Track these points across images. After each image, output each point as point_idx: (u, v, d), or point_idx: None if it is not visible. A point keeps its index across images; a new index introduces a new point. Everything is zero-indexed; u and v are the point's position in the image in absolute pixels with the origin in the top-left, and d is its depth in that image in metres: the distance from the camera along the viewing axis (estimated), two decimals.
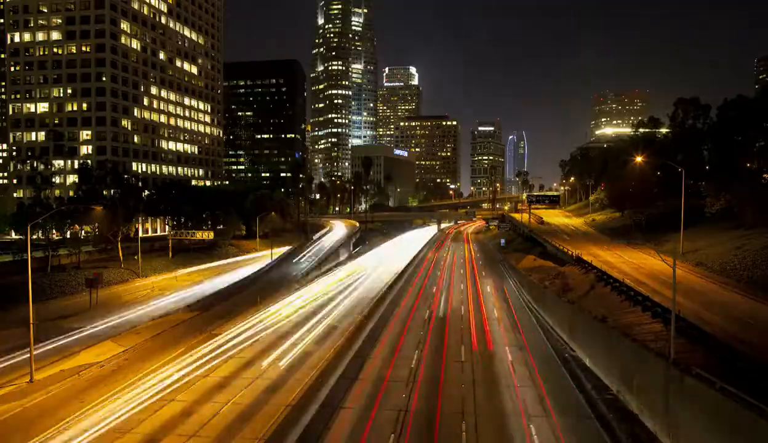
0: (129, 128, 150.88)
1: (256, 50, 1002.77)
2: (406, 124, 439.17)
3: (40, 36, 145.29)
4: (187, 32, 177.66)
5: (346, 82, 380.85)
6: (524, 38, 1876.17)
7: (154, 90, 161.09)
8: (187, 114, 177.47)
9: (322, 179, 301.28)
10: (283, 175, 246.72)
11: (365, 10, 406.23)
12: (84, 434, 27.88)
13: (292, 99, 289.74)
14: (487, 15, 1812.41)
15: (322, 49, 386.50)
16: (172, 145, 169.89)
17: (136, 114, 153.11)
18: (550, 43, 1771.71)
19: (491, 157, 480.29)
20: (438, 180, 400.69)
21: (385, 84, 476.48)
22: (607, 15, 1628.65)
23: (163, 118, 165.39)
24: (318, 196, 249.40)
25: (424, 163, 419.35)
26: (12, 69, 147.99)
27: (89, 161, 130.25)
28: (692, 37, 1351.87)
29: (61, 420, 29.54)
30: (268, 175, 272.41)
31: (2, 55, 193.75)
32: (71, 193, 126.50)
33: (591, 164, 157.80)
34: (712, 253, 59.90)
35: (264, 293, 66.22)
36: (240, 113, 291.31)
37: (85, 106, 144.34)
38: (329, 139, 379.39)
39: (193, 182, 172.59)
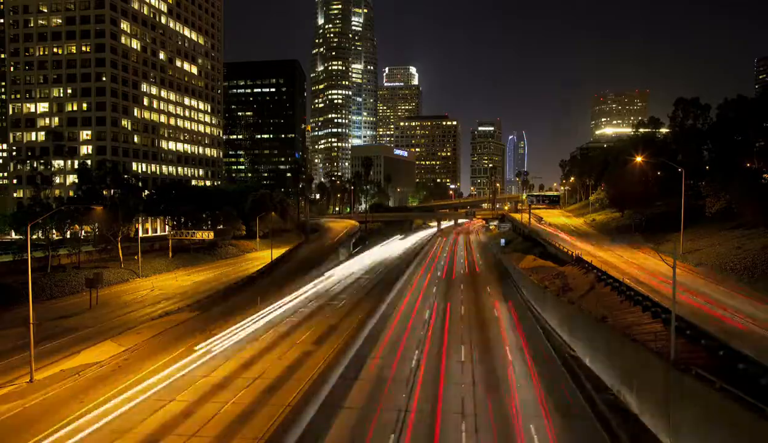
0: (129, 128, 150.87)
1: (256, 50, 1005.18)
2: (406, 124, 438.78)
3: (40, 36, 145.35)
4: (187, 32, 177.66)
5: (346, 82, 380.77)
6: (524, 38, 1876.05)
7: (154, 90, 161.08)
8: (187, 114, 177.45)
9: (322, 179, 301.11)
10: (283, 175, 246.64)
11: (365, 10, 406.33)
12: (84, 434, 27.88)
13: (292, 99, 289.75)
14: (487, 15, 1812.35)
15: (322, 49, 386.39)
16: (172, 145, 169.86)
17: (136, 114, 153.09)
18: (550, 42, 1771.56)
19: (491, 157, 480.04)
20: (438, 180, 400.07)
21: (385, 84, 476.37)
22: (607, 14, 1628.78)
23: (163, 118, 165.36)
24: (318, 196, 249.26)
25: (424, 163, 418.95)
26: (12, 69, 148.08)
27: (89, 161, 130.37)
28: (692, 37, 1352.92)
29: (61, 420, 29.54)
30: (268, 175, 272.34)
31: (2, 55, 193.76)
32: (71, 193, 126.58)
33: (591, 164, 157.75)
34: (712, 253, 59.87)
35: (263, 293, 66.24)
36: (240, 113, 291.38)
37: (85, 106, 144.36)
38: (329, 139, 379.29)
39: (193, 182, 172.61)
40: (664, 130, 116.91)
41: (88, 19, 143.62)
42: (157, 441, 26.95)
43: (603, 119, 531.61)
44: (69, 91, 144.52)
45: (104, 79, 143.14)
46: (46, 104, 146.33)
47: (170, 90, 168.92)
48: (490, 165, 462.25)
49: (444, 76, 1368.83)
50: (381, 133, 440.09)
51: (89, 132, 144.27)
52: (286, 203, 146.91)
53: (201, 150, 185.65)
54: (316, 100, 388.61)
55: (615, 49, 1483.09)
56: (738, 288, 47.46)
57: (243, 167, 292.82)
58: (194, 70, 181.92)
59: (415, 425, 28.24)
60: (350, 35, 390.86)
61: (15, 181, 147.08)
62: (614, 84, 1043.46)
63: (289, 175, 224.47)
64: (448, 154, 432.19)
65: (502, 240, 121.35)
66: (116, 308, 61.45)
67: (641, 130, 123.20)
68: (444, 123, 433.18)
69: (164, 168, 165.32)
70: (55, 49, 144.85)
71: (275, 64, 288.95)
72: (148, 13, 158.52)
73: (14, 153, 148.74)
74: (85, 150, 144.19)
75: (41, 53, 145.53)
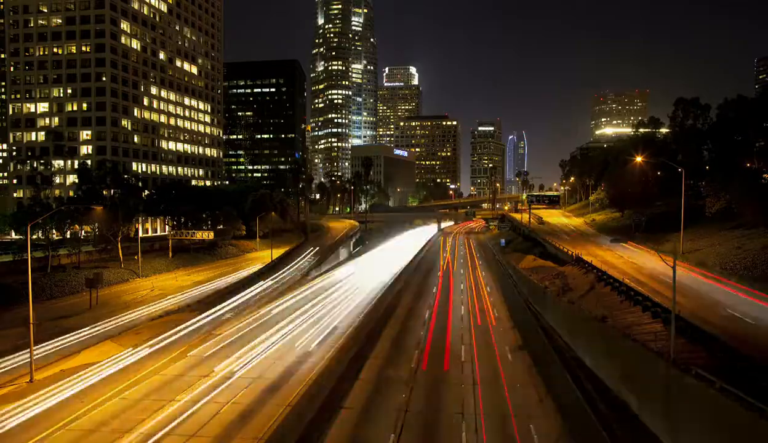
0: (129, 128, 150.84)
1: (256, 50, 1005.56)
2: (406, 124, 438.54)
3: (40, 36, 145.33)
4: (187, 32, 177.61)
5: (346, 82, 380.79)
6: (524, 38, 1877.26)
7: (154, 90, 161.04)
8: (187, 114, 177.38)
9: (322, 179, 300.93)
10: (283, 175, 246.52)
11: (365, 10, 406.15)
12: (84, 434, 27.86)
13: (292, 99, 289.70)
14: (487, 15, 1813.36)
15: (322, 49, 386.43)
16: (172, 145, 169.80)
17: (136, 114, 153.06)
18: (550, 42, 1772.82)
19: (491, 157, 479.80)
20: (438, 180, 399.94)
21: (385, 84, 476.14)
22: (607, 14, 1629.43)
23: (163, 118, 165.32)
24: (318, 196, 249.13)
25: (424, 163, 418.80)
26: (12, 69, 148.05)
27: (89, 161, 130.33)
28: (692, 37, 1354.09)
29: (61, 420, 29.53)
30: (268, 175, 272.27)
31: (2, 55, 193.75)
32: (71, 193, 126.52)
33: (591, 164, 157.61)
34: (712, 253, 59.88)
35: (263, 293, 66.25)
36: (240, 113, 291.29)
37: (85, 106, 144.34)
38: (329, 139, 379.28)
39: (193, 182, 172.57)
40: (664, 130, 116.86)
41: (88, 19, 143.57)
42: (157, 441, 26.95)
43: (603, 119, 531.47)
44: (69, 91, 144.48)
45: (104, 79, 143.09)
46: (46, 104, 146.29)
47: (170, 90, 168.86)
48: (490, 165, 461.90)
49: (444, 76, 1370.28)
50: (381, 133, 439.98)
51: (89, 132, 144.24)
52: (286, 203, 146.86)
53: (201, 150, 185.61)
54: (316, 100, 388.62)
55: (615, 49, 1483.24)
56: (737, 287, 47.43)
57: (243, 167, 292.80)
58: (194, 70, 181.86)
59: (413, 423, 28.27)
60: (350, 35, 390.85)
61: (15, 181, 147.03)
62: (614, 84, 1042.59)
63: (289, 175, 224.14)
64: (448, 154, 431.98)
65: (502, 241, 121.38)
66: (116, 308, 61.42)
67: (641, 130, 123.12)
68: (444, 123, 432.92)
69: (164, 168, 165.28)
70: (55, 49, 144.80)
71: (275, 64, 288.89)
72: (148, 13, 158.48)
73: (14, 153, 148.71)
74: (85, 150, 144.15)
75: (41, 53, 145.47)
